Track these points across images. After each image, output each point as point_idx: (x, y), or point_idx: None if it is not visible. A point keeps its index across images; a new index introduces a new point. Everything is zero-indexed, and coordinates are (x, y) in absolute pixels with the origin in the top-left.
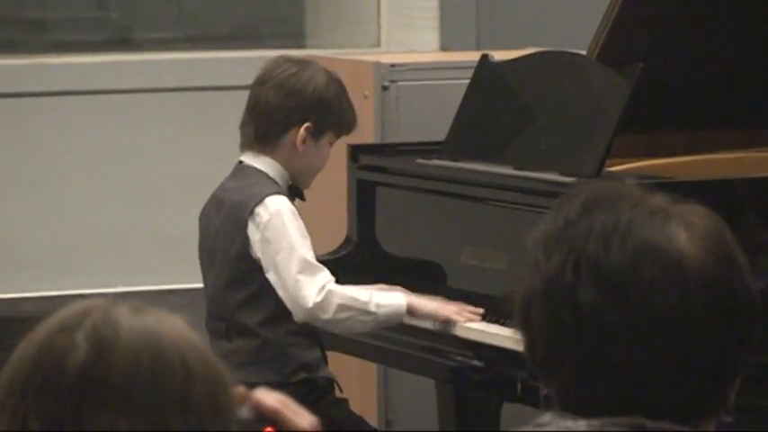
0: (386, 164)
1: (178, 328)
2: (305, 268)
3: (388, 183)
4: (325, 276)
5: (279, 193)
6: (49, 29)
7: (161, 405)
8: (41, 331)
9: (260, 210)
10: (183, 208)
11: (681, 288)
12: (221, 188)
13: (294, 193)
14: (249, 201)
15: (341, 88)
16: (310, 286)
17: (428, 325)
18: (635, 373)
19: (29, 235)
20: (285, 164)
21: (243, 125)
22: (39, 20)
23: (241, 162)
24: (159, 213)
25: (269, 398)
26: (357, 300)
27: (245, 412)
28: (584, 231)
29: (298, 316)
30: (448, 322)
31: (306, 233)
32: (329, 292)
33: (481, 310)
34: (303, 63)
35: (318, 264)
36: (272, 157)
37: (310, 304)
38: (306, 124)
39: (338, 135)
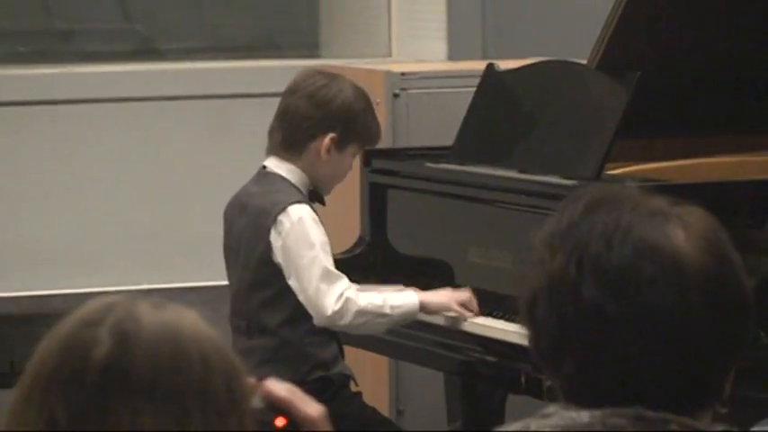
0: (396, 168)
1: (196, 323)
2: (324, 276)
3: (398, 185)
4: (344, 284)
5: (301, 201)
6: (77, 39)
7: (182, 396)
8: (66, 326)
9: (282, 218)
10: (204, 209)
11: (679, 285)
12: (245, 191)
13: (314, 197)
14: (272, 208)
15: (367, 103)
16: (329, 295)
17: (438, 320)
18: (635, 365)
19: (57, 235)
20: (308, 171)
21: (271, 131)
22: (68, 31)
23: (264, 167)
24: (181, 214)
25: (279, 388)
26: (373, 304)
27: (257, 402)
28: (587, 231)
29: (317, 322)
30: (457, 317)
31: (326, 239)
32: (347, 299)
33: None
34: (333, 76)
35: (337, 271)
36: (296, 164)
37: (329, 312)
38: (331, 134)
39: (362, 147)
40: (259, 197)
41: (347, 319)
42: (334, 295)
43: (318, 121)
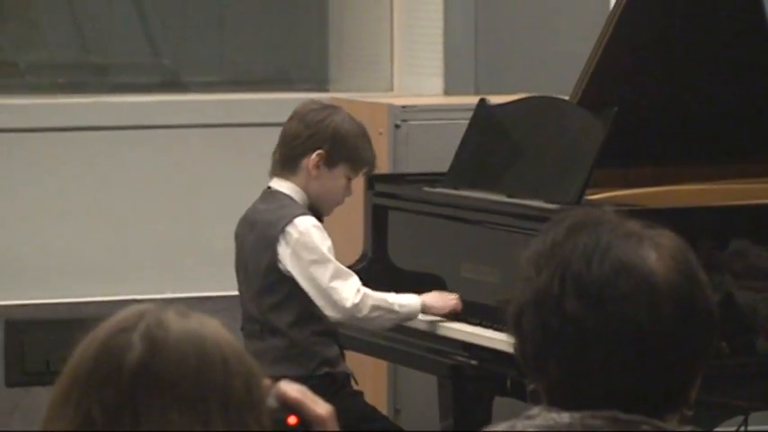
0: (397, 191)
1: (217, 329)
2: (337, 275)
3: (398, 207)
4: (357, 280)
5: (306, 213)
6: (109, 72)
7: (205, 397)
8: (102, 331)
9: (290, 229)
10: (221, 227)
11: (651, 300)
12: (253, 209)
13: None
14: (279, 221)
15: (359, 129)
16: (346, 289)
17: (432, 329)
18: (611, 372)
19: (92, 248)
20: (304, 187)
21: (273, 154)
22: (101, 64)
23: (269, 187)
24: (202, 231)
25: (290, 388)
26: (385, 300)
27: (271, 401)
28: (569, 251)
29: (335, 316)
30: (449, 325)
31: (331, 243)
32: (364, 294)
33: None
34: (327, 105)
35: (348, 269)
36: (294, 182)
37: (348, 305)
38: (319, 151)
39: (354, 170)
40: (266, 212)
41: (364, 312)
42: (352, 289)
43: (306, 139)
